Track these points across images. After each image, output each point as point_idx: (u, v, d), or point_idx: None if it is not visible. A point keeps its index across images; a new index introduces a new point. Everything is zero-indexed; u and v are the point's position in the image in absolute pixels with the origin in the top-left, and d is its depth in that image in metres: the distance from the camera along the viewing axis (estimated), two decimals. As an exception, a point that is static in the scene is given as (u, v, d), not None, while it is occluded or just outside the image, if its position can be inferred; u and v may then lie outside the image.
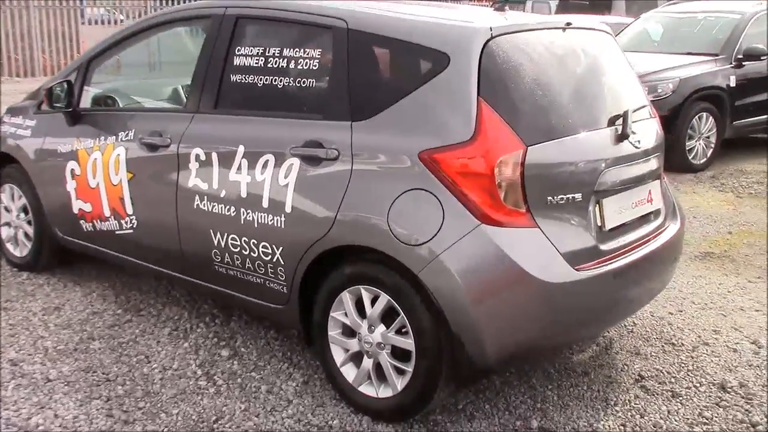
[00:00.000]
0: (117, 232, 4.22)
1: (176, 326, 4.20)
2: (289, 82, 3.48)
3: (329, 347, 3.38)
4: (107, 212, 4.21)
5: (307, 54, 3.43)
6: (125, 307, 4.46)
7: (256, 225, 3.48)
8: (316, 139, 3.29)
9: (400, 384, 3.17)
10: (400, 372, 3.17)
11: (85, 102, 4.43)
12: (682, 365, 3.83)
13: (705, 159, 8.48)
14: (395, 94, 3.16)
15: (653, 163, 3.57)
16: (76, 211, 4.41)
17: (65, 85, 4.31)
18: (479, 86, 2.98)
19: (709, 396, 3.55)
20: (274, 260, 3.45)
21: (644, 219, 3.51)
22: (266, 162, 3.43)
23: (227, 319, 4.27)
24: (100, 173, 4.19)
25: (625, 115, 3.32)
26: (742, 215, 6.67)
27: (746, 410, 3.42)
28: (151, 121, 4.03)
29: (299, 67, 3.45)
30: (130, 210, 4.09)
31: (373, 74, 3.29)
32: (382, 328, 3.18)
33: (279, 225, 3.40)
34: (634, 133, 3.37)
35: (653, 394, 3.55)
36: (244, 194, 3.52)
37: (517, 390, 3.56)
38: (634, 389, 3.60)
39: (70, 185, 4.39)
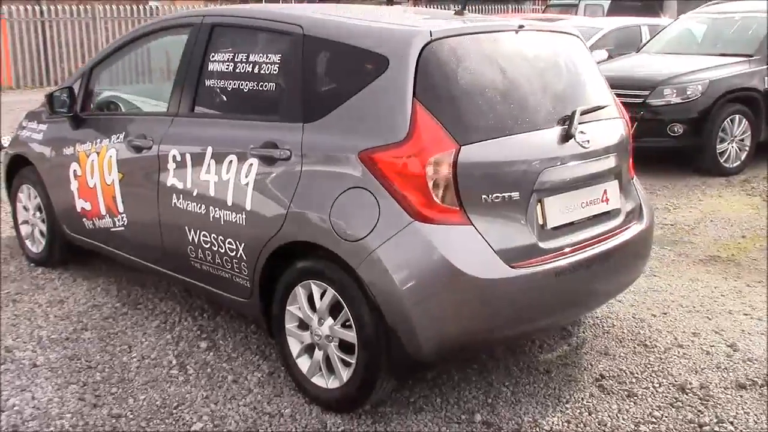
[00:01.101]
0: (112, 230, 4.47)
1: (166, 319, 4.42)
2: (254, 86, 3.65)
3: (286, 339, 3.53)
4: (103, 210, 4.47)
5: (269, 59, 3.60)
6: (124, 301, 4.71)
7: (222, 222, 3.66)
8: (272, 140, 3.45)
9: (345, 375, 3.29)
10: (347, 364, 3.29)
11: (90, 106, 4.71)
12: (648, 366, 3.82)
13: (738, 162, 8.27)
14: (342, 95, 3.29)
15: (609, 163, 3.59)
16: (79, 209, 4.69)
17: (67, 92, 4.59)
18: (415, 88, 3.08)
19: (666, 396, 3.54)
20: (238, 256, 3.62)
21: (598, 219, 3.52)
22: (230, 162, 3.61)
23: (215, 313, 4.47)
24: (96, 174, 4.45)
25: (571, 116, 3.36)
26: (762, 219, 6.51)
27: (698, 411, 3.40)
28: (139, 124, 4.27)
29: (263, 71, 3.61)
30: (121, 208, 4.33)
31: (324, 77, 3.43)
32: (330, 321, 3.31)
33: (241, 222, 3.57)
34: (583, 133, 3.40)
35: (609, 393, 3.57)
36: (212, 193, 3.70)
37: (473, 385, 3.63)
38: (591, 388, 3.62)
39: (73, 185, 4.67)
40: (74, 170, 4.64)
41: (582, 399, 3.52)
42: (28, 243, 5.35)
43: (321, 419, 3.35)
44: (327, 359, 3.37)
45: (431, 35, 3.17)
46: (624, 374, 3.74)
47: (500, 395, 3.56)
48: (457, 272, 2.99)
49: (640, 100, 8.11)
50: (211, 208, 3.71)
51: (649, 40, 9.94)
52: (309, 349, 3.46)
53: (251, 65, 3.67)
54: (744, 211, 6.79)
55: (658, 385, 3.63)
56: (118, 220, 4.38)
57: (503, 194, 3.13)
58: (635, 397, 3.53)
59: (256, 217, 3.50)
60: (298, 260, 3.40)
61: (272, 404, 3.48)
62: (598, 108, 3.62)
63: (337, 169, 3.23)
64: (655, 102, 8.07)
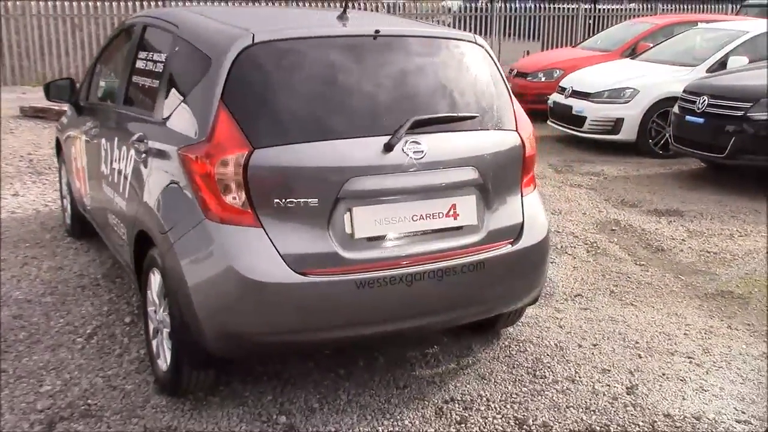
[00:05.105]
0: (87, 207, 4.97)
1: (120, 294, 4.81)
2: (149, 82, 3.92)
3: (147, 321, 3.76)
4: (83, 190, 4.98)
5: (159, 57, 3.84)
6: (108, 274, 5.17)
7: (117, 207, 3.99)
8: (142, 135, 3.69)
9: (168, 361, 3.46)
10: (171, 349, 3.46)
11: (91, 96, 5.23)
12: (512, 396, 3.58)
13: None
14: (184, 94, 3.45)
15: (461, 176, 3.36)
16: (76, 188, 5.25)
17: (67, 82, 5.16)
18: (224, 90, 3.15)
19: (498, 428, 3.31)
20: (125, 239, 3.92)
21: (439, 234, 3.35)
22: (123, 152, 3.92)
23: (166, 293, 4.79)
24: (78, 157, 4.97)
25: (401, 126, 3.23)
26: (833, 257, 5.64)
27: (513, 449, 3.16)
28: (101, 114, 4.70)
29: (155, 69, 3.87)
30: (88, 189, 4.81)
31: (180, 75, 3.60)
32: (163, 307, 3.50)
33: (123, 209, 3.86)
34: (417, 143, 3.25)
35: (440, 417, 3.40)
36: (115, 180, 4.03)
37: (317, 389, 3.62)
38: (428, 409, 3.47)
39: (72, 166, 5.24)
40: (72, 152, 5.20)
41: (408, 419, 3.39)
42: (65, 215, 6.05)
43: (147, 398, 3.54)
44: (162, 343, 3.56)
45: (253, 39, 3.22)
46: (478, 401, 3.54)
47: (333, 402, 3.52)
48: (235, 273, 3.05)
49: (740, 113, 7.30)
50: (114, 193, 4.05)
51: (788, 47, 8.83)
52: (156, 333, 3.67)
53: (152, 63, 3.94)
54: (819, 247, 5.91)
55: (499, 416, 3.40)
56: (87, 199, 4.87)
57: (299, 200, 3.11)
58: (463, 425, 3.34)
59: (128, 206, 3.78)
60: (150, 248, 3.61)
61: (125, 379, 3.72)
62: (452, 119, 3.41)
63: (166, 164, 3.40)
64: (758, 115, 7.22)
